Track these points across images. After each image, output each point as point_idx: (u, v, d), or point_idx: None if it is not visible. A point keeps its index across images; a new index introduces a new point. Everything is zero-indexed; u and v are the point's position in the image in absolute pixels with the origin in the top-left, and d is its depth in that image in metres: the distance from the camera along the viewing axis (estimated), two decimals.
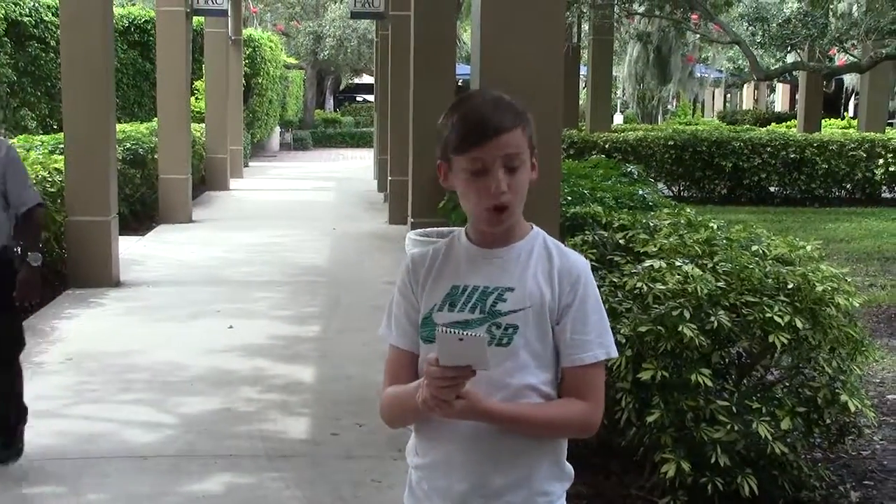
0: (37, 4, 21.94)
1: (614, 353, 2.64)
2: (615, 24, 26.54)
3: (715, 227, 6.20)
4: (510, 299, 2.58)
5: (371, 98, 45.43)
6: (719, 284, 5.04)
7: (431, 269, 2.69)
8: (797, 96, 32.57)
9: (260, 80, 28.86)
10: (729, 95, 62.48)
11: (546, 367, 2.60)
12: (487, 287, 2.61)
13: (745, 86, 55.82)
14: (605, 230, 6.25)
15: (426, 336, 2.62)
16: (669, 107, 49.44)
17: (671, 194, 20.19)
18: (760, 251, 5.58)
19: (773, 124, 35.96)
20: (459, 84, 17.42)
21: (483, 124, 2.52)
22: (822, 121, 28.99)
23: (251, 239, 14.53)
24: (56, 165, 11.06)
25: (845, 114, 43.82)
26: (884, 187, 21.33)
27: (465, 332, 2.39)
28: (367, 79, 53.17)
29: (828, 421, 5.14)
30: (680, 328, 4.77)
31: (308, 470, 5.76)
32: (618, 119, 44.79)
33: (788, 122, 35.52)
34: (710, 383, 4.75)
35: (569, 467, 2.71)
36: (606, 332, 2.63)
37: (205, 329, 9.06)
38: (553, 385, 2.62)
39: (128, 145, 15.13)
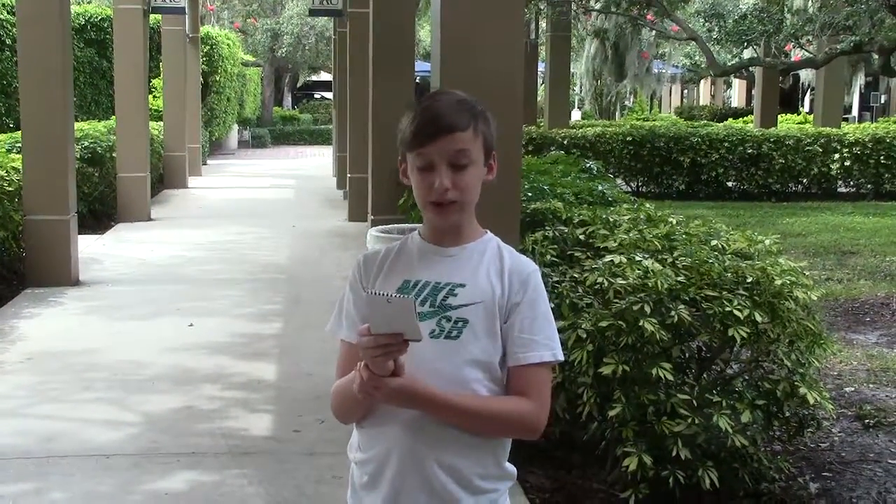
0: None
1: (560, 357, 2.66)
2: (572, 21, 26.61)
3: (674, 222, 6.25)
4: (461, 294, 2.62)
5: (329, 95, 45.34)
6: (679, 279, 5.08)
7: (383, 265, 2.73)
8: (753, 92, 32.74)
9: (218, 78, 28.74)
10: (686, 91, 62.70)
11: (494, 363, 2.63)
12: (439, 282, 2.64)
13: (702, 81, 56.05)
14: (566, 226, 6.27)
15: None
16: (627, 102, 49.52)
17: (629, 190, 20.27)
18: (720, 246, 5.63)
19: (729, 120, 36.14)
20: (417, 81, 17.43)
21: (433, 123, 2.58)
22: (779, 116, 29.17)
23: (211, 237, 14.49)
24: (14, 164, 10.99)
25: (801, 109, 44.13)
26: (839, 182, 21.49)
27: (392, 295, 2.40)
28: (325, 76, 53.09)
29: (787, 414, 5.19)
30: (640, 323, 4.81)
31: (271, 467, 5.76)
32: (576, 115, 44.88)
33: (745, 118, 35.75)
34: (670, 377, 4.79)
35: (510, 467, 2.74)
36: (553, 334, 2.66)
37: (165, 327, 9.03)
38: (500, 382, 2.65)
39: (86, 144, 15.02)
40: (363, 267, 2.75)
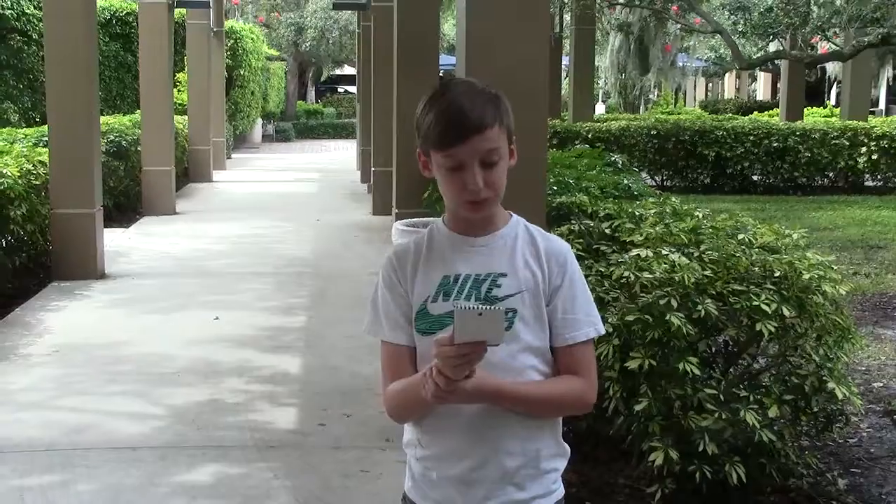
0: None
1: (602, 330, 2.69)
2: (597, 15, 26.55)
3: (700, 215, 6.22)
4: (504, 284, 2.61)
5: (353, 89, 45.40)
6: (706, 273, 5.05)
7: (418, 260, 2.69)
8: (779, 85, 32.61)
9: (242, 72, 28.80)
10: (710, 84, 62.53)
11: (545, 346, 2.64)
12: (479, 274, 2.62)
13: (727, 75, 55.91)
14: (591, 220, 6.26)
15: (423, 329, 2.62)
16: (651, 96, 49.45)
17: (654, 184, 20.23)
18: (747, 239, 5.60)
19: (755, 113, 36.02)
20: (442, 75, 17.44)
21: (460, 123, 2.53)
22: (805, 109, 29.05)
23: (235, 230, 14.52)
24: (40, 158, 11.03)
25: (828, 102, 43.94)
26: (866, 175, 21.37)
27: (483, 307, 2.39)
28: (348, 70, 53.16)
29: (815, 409, 5.15)
30: (667, 317, 4.78)
31: (297, 460, 5.76)
32: (600, 109, 44.82)
33: (771, 111, 35.59)
34: (697, 372, 4.76)
35: (566, 445, 2.76)
36: (593, 309, 2.69)
37: (190, 320, 9.05)
38: (550, 364, 2.66)
39: (111, 138, 15.10)
40: (397, 264, 2.71)
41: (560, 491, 2.73)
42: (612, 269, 5.29)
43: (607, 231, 6.00)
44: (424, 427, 2.69)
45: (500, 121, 2.58)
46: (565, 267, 2.66)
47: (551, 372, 2.66)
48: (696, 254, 5.29)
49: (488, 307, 2.40)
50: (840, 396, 4.93)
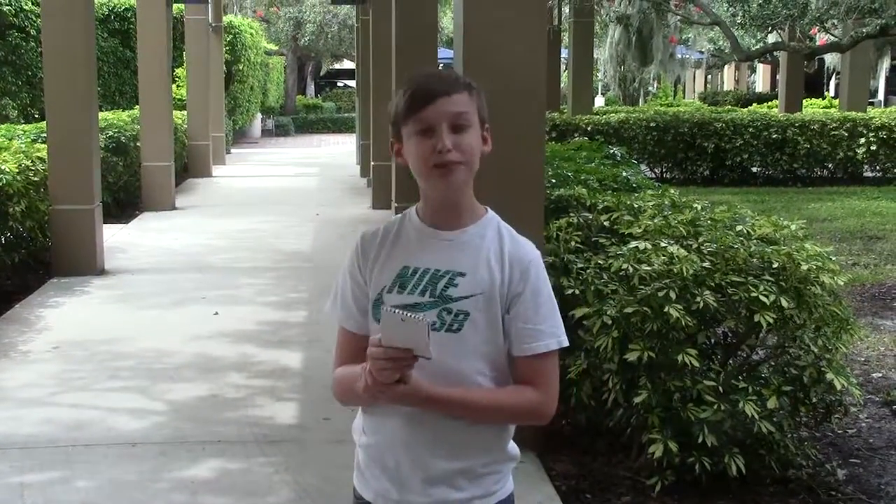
0: None
1: (565, 343, 2.61)
2: (595, 7, 26.51)
3: (699, 207, 6.22)
4: (461, 284, 2.57)
5: (352, 83, 45.35)
6: (704, 265, 5.06)
7: (381, 248, 2.68)
8: (778, 77, 32.57)
9: (241, 67, 28.78)
10: (710, 76, 62.46)
11: (496, 353, 2.59)
12: (438, 270, 2.59)
13: (726, 67, 55.81)
14: (590, 212, 6.26)
15: (378, 317, 2.55)
16: (650, 88, 49.39)
17: (653, 176, 20.24)
18: (745, 231, 5.60)
19: (754, 105, 36.00)
20: (441, 68, 17.44)
21: (430, 87, 2.55)
22: (804, 101, 29.02)
23: (235, 225, 14.51)
24: (39, 154, 11.02)
25: (826, 93, 43.90)
26: (865, 166, 21.37)
27: (408, 315, 2.35)
28: (347, 64, 53.07)
29: (814, 399, 5.17)
30: (666, 309, 4.80)
31: (297, 455, 5.77)
32: (599, 101, 44.78)
33: (770, 103, 35.58)
34: (696, 363, 4.78)
35: (514, 448, 2.72)
36: (558, 321, 2.61)
37: (190, 316, 9.06)
38: (503, 371, 2.61)
39: (110, 133, 15.07)
40: (361, 251, 2.72)
41: (504, 491, 2.68)
42: (610, 261, 5.30)
43: (606, 223, 6.00)
44: (369, 414, 2.69)
45: (468, 90, 2.57)
46: (528, 273, 2.59)
47: (502, 379, 2.61)
48: (694, 246, 5.29)
49: (412, 315, 2.36)
50: (839, 387, 4.95)
